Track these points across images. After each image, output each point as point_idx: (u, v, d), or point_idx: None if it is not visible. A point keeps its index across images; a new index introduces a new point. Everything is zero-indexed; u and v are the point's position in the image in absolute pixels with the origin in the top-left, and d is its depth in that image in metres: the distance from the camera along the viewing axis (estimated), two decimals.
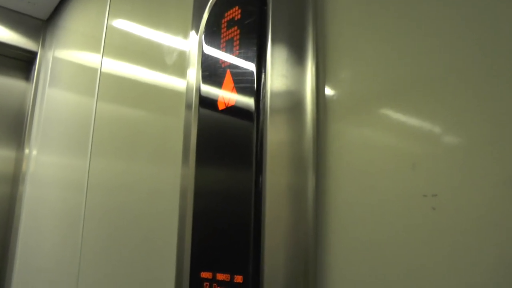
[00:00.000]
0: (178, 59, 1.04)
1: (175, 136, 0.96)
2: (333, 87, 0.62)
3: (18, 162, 2.30)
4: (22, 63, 2.45)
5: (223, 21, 0.79)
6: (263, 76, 0.67)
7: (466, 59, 0.47)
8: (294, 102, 0.63)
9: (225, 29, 0.78)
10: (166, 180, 0.98)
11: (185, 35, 1.02)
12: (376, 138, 0.54)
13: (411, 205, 0.48)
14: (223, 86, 0.75)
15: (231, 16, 0.77)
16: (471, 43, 0.47)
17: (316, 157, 0.60)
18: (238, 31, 0.74)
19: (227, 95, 0.73)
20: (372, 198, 0.53)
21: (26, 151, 2.27)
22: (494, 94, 0.44)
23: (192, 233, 0.76)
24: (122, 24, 1.48)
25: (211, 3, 0.84)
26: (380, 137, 0.54)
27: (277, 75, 0.66)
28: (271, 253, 0.60)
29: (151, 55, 1.20)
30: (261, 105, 0.66)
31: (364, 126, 0.56)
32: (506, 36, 0.43)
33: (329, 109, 0.61)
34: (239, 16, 0.75)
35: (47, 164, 2.00)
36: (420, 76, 0.51)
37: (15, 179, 2.28)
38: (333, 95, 0.61)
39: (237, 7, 0.75)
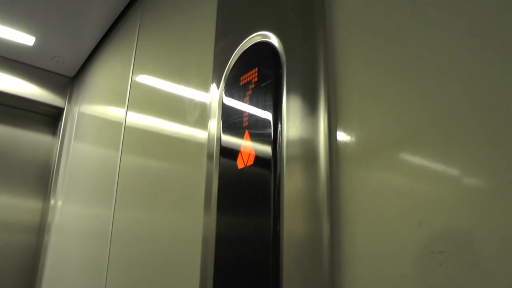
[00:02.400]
0: (199, 115, 1.07)
1: (197, 185, 0.97)
2: (344, 135, 0.63)
3: (44, 213, 2.35)
4: (49, 118, 2.55)
5: (241, 82, 0.83)
6: (279, 130, 0.70)
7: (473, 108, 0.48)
8: (308, 152, 0.65)
9: (243, 90, 0.82)
10: (189, 228, 0.98)
11: (206, 89, 1.05)
12: (386, 185, 0.55)
13: (419, 261, 0.49)
14: (243, 141, 0.78)
15: (249, 78, 0.81)
16: (480, 89, 0.48)
17: (330, 204, 0.61)
18: (256, 92, 0.78)
19: (246, 152, 0.77)
20: (383, 248, 0.54)
21: (52, 202, 2.32)
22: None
23: (214, 279, 0.77)
24: (146, 79, 1.52)
25: (229, 64, 0.89)
26: (390, 184, 0.55)
27: (292, 130, 0.69)
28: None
29: (174, 109, 1.23)
30: (278, 156, 0.69)
31: (375, 172, 0.57)
32: None
33: (341, 156, 0.63)
34: (256, 79, 0.79)
35: (72, 215, 2.01)
36: (428, 124, 0.52)
37: (41, 229, 2.33)
38: (344, 143, 0.63)
39: (254, 70, 0.80)
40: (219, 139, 0.87)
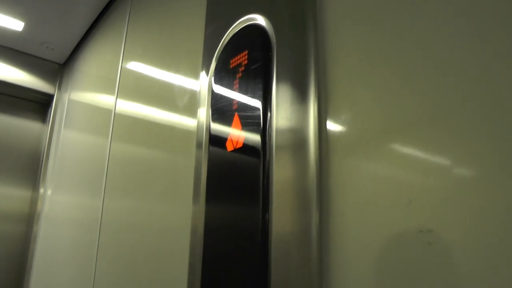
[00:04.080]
0: (189, 100, 1.06)
1: (186, 174, 0.96)
2: (334, 124, 0.63)
3: (33, 202, 2.33)
4: (38, 105, 2.52)
5: (231, 65, 0.82)
6: (269, 115, 0.69)
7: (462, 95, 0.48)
8: (298, 140, 0.65)
9: (233, 73, 0.81)
10: (178, 217, 0.98)
11: (196, 76, 1.04)
12: (375, 173, 0.56)
13: (408, 241, 0.49)
14: (232, 126, 0.77)
15: (238, 61, 0.80)
16: (469, 78, 0.48)
17: (319, 193, 0.61)
18: (245, 75, 0.77)
19: (235, 135, 0.76)
20: (372, 233, 0.54)
21: (41, 191, 2.31)
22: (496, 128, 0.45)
23: (202, 269, 0.77)
24: (136, 66, 1.51)
25: (220, 47, 0.88)
26: (379, 172, 0.55)
27: (282, 115, 0.68)
28: (278, 277, 0.61)
29: (163, 96, 1.22)
30: (267, 144, 0.68)
31: (364, 161, 0.57)
32: None
33: (331, 145, 0.62)
34: (246, 62, 0.78)
35: (61, 204, 2.01)
36: (417, 113, 0.52)
37: (30, 218, 2.31)
38: (334, 132, 0.63)
39: (244, 53, 0.79)
40: (208, 127, 0.86)
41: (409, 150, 0.52)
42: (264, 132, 0.69)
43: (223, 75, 0.84)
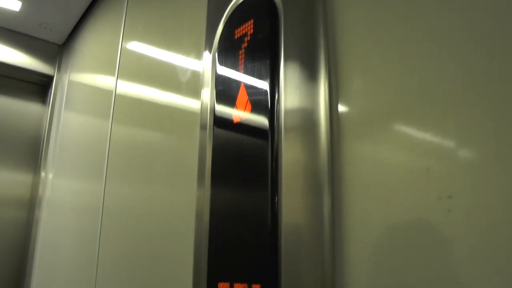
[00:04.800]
0: (192, 78, 1.03)
1: (190, 157, 0.93)
2: (346, 102, 0.61)
3: (35, 186, 2.30)
4: (38, 87, 2.48)
5: (236, 35, 0.78)
6: (276, 90, 0.66)
7: (478, 71, 0.46)
8: (307, 119, 0.62)
9: (238, 44, 0.76)
10: (182, 201, 0.95)
11: (199, 55, 1.01)
12: (390, 150, 0.54)
13: (427, 209, 0.48)
14: (237, 101, 0.74)
15: (244, 31, 0.76)
16: (483, 54, 0.46)
17: (331, 174, 0.59)
18: (251, 45, 0.73)
19: (241, 110, 0.72)
20: (389, 209, 0.52)
21: (43, 175, 2.27)
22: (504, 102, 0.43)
23: (208, 254, 0.74)
24: (136, 46, 1.47)
25: (224, 19, 0.83)
26: (394, 148, 0.54)
27: (290, 92, 0.64)
28: (288, 261, 0.58)
29: (165, 76, 1.19)
30: (275, 123, 0.64)
31: (377, 140, 0.56)
32: None
33: (342, 124, 0.60)
34: (251, 31, 0.74)
35: (63, 188, 1.99)
36: (431, 89, 0.51)
37: (32, 203, 2.28)
38: (346, 111, 0.60)
39: (249, 22, 0.75)
40: (212, 107, 0.83)
41: (422, 126, 0.51)
42: (272, 105, 0.66)
43: (228, 48, 0.80)
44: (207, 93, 0.86)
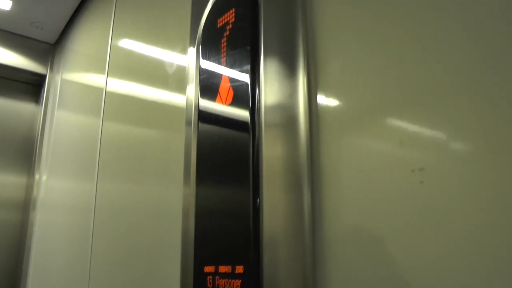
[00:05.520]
0: (179, 74, 1.01)
1: (178, 154, 0.92)
2: (324, 98, 0.62)
3: (29, 188, 2.27)
4: (31, 86, 2.45)
5: (219, 24, 0.78)
6: (257, 76, 0.67)
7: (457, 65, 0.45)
8: (287, 115, 0.64)
9: (220, 33, 0.77)
10: (170, 198, 0.95)
11: (185, 49, 0.99)
12: (369, 144, 0.55)
13: (400, 181, 0.49)
14: (220, 90, 0.75)
15: (226, 20, 0.76)
16: (464, 47, 0.46)
17: (310, 169, 0.61)
18: (233, 32, 0.74)
19: (223, 101, 0.73)
20: (365, 199, 0.54)
21: (37, 176, 2.25)
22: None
23: (194, 250, 0.76)
24: (126, 43, 1.46)
25: (207, 10, 0.83)
26: (371, 145, 0.55)
27: (270, 80, 0.66)
28: (270, 245, 0.61)
29: (154, 73, 1.18)
30: (256, 119, 0.66)
31: (356, 135, 0.57)
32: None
33: (321, 120, 0.61)
34: (233, 19, 0.74)
35: (57, 189, 1.97)
36: (411, 83, 0.51)
37: (26, 205, 2.25)
38: (325, 107, 0.61)
39: (231, 11, 0.75)
40: (197, 102, 0.82)
41: (402, 119, 0.52)
42: (253, 105, 0.67)
43: (211, 37, 0.81)
44: (192, 88, 0.86)
